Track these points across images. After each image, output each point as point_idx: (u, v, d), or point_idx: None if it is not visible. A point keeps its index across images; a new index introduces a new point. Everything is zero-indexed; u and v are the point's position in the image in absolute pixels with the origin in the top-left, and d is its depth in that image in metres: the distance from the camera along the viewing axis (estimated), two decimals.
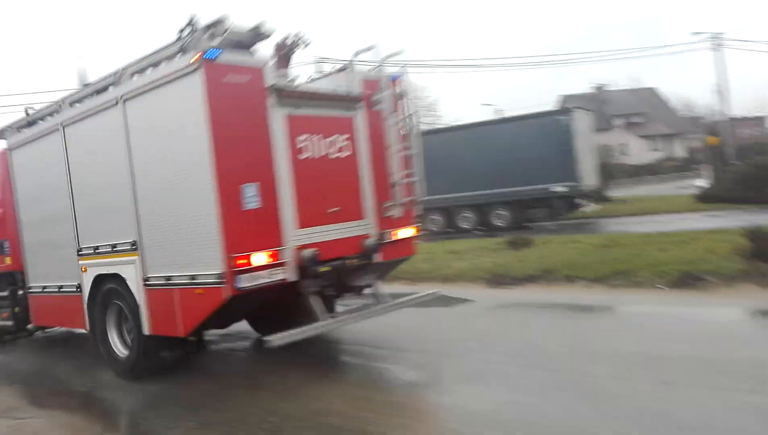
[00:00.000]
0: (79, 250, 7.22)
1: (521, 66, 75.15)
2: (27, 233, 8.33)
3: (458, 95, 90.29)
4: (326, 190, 6.35)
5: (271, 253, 5.69)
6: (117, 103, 6.37)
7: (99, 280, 6.99)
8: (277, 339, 5.62)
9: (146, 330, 6.30)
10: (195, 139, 5.52)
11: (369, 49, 6.88)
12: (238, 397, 5.84)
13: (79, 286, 7.31)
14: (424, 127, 39.76)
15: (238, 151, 5.56)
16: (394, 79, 7.00)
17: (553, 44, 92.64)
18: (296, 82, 6.66)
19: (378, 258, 6.70)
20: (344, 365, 7.06)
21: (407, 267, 12.01)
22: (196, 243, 5.69)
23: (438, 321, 8.31)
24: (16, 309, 8.75)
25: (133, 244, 6.37)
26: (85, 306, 7.23)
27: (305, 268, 5.91)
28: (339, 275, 6.37)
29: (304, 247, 5.97)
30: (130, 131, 6.27)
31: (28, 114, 8.15)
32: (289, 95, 6.08)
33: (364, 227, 6.70)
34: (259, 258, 5.59)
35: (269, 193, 5.74)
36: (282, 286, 5.82)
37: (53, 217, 7.65)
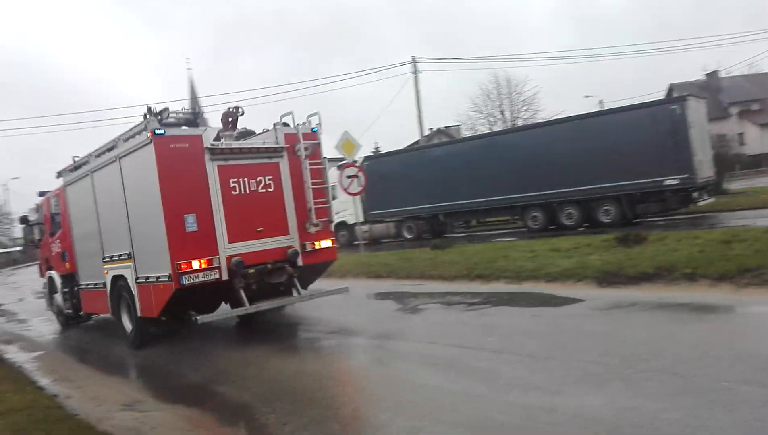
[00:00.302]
0: (103, 257, 10.31)
1: (625, 55, 71.21)
2: (77, 245, 11.79)
3: (559, 88, 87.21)
4: (253, 215, 9.05)
5: (205, 260, 8.44)
6: (116, 160, 9.49)
7: (114, 278, 10.00)
8: (202, 318, 8.70)
9: (139, 313, 9.24)
10: (152, 185, 8.37)
11: (289, 113, 9.90)
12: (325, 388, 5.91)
13: (104, 283, 10.34)
14: (521, 122, 39.10)
15: (180, 193, 8.38)
16: (313, 132, 9.93)
17: (659, 30, 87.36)
18: (226, 143, 9.05)
19: (300, 262, 9.45)
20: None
21: (509, 265, 11.85)
22: (158, 254, 8.46)
23: (546, 322, 7.98)
24: (74, 300, 12.26)
25: (129, 254, 9.36)
26: (108, 297, 10.24)
27: (233, 270, 8.58)
28: (262, 276, 9.04)
29: (233, 256, 8.65)
30: (124, 178, 9.32)
31: (74, 161, 11.38)
32: (220, 152, 8.86)
33: (288, 240, 9.40)
34: (196, 264, 8.34)
35: (205, 220, 8.53)
36: (218, 283, 8.56)
37: (89, 234, 10.85)
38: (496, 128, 40.47)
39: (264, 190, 9.35)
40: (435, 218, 24.05)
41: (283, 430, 5.18)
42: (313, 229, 9.62)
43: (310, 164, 9.71)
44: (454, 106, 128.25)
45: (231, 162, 9.07)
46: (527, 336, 7.23)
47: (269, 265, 9.15)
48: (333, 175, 27.22)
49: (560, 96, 76.41)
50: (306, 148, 9.64)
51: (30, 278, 39.02)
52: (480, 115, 43.79)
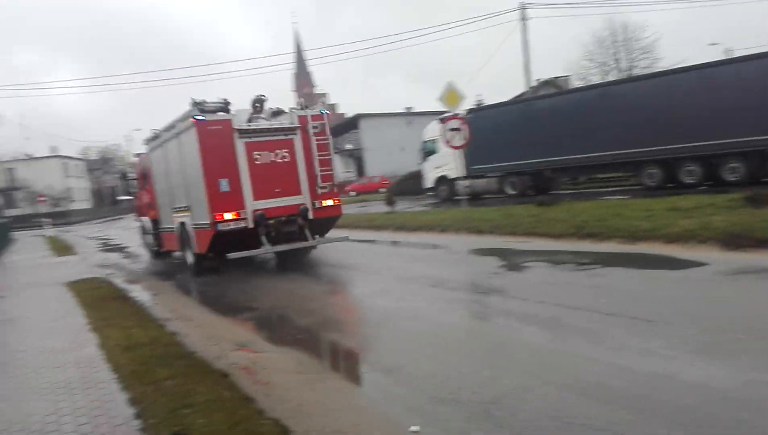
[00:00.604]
0: (173, 208, 13.82)
1: None
2: (158, 198, 15.35)
3: (681, 35, 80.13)
4: (273, 180, 11.96)
5: (235, 213, 11.50)
6: (176, 136, 12.80)
7: (180, 224, 13.44)
8: (232, 255, 11.60)
9: (195, 250, 12.65)
10: (196, 156, 11.61)
11: (301, 100, 13.62)
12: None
13: (174, 227, 13.89)
14: (638, 72, 36.33)
15: (215, 162, 11.45)
16: (321, 114, 12.79)
17: None
18: (250, 125, 11.95)
19: (311, 216, 12.38)
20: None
21: (622, 224, 11.19)
22: (203, 207, 11.68)
23: (665, 286, 7.46)
24: (157, 240, 16.18)
25: (186, 206, 12.81)
26: (177, 238, 13.78)
27: (257, 221, 11.66)
28: (279, 226, 12.01)
29: (257, 210, 11.71)
30: (181, 150, 12.61)
31: (153, 133, 14.78)
32: (245, 132, 11.78)
33: (300, 199, 12.36)
34: (228, 215, 11.42)
35: (235, 183, 11.58)
36: (246, 230, 11.57)
37: (165, 190, 14.47)
38: (609, 78, 37.94)
39: (281, 160, 12.23)
40: (540, 174, 23.19)
41: (386, 380, 5.22)
42: (320, 191, 12.58)
43: (318, 140, 12.59)
44: (564, 55, 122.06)
45: (255, 139, 11.95)
46: (643, 300, 6.78)
47: (284, 218, 12.15)
48: (432, 129, 27.09)
49: (682, 43, 70.13)
50: (315, 127, 12.55)
51: None
52: (592, 64, 41.15)
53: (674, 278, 7.84)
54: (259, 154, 11.98)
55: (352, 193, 51.08)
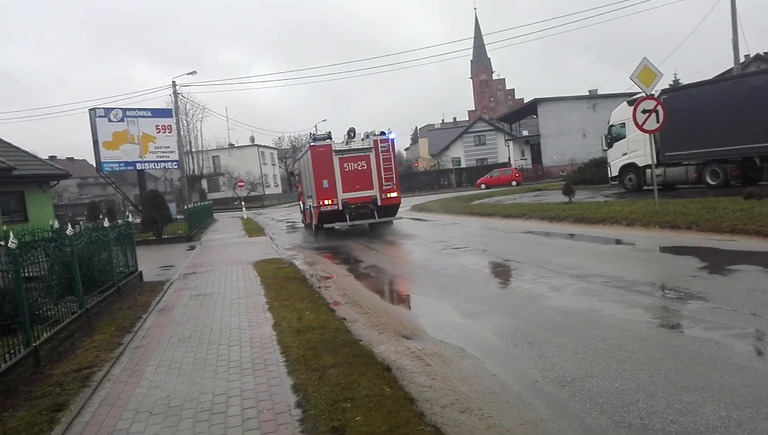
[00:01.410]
0: (307, 196, 22.82)
1: None
2: (304, 190, 24.41)
3: None
4: (355, 181, 19.67)
5: (331, 200, 19.55)
6: (305, 152, 22.87)
7: (309, 206, 22.40)
8: (329, 225, 20.23)
9: (314, 222, 20.87)
10: (310, 167, 20.61)
11: (374, 130, 20.69)
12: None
13: (308, 208, 22.86)
14: None
15: (321, 171, 19.70)
16: (387, 139, 20.16)
17: None
18: (344, 146, 19.85)
19: (379, 203, 19.81)
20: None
21: None
22: (314, 197, 20.20)
23: None
24: (304, 216, 24.88)
25: (310, 195, 21.30)
26: (309, 214, 22.59)
27: (345, 205, 19.50)
28: (360, 208, 19.80)
29: (344, 199, 19.55)
30: (306, 161, 22.38)
31: (312, 135, 21.57)
32: (339, 151, 19.71)
33: (372, 193, 19.85)
34: (327, 202, 19.57)
35: (332, 182, 19.55)
36: (339, 211, 19.61)
37: (305, 184, 23.49)
38: None
39: (361, 169, 19.90)
40: (749, 161, 20.14)
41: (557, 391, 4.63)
42: (385, 187, 19.97)
43: (383, 156, 20.06)
44: None
45: (345, 155, 19.80)
46: None
47: (360, 204, 19.91)
48: (620, 112, 24.89)
49: None
50: (383, 147, 20.10)
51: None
52: None
53: None
54: (347, 165, 19.86)
55: (483, 187, 49.52)
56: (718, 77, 28.16)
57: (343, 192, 19.58)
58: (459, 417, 4.43)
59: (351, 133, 20.03)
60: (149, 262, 15.77)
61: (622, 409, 4.23)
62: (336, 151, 19.58)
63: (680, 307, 6.70)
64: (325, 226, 19.98)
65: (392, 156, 20.36)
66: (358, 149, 19.78)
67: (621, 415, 4.15)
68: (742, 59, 31.08)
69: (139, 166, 31.88)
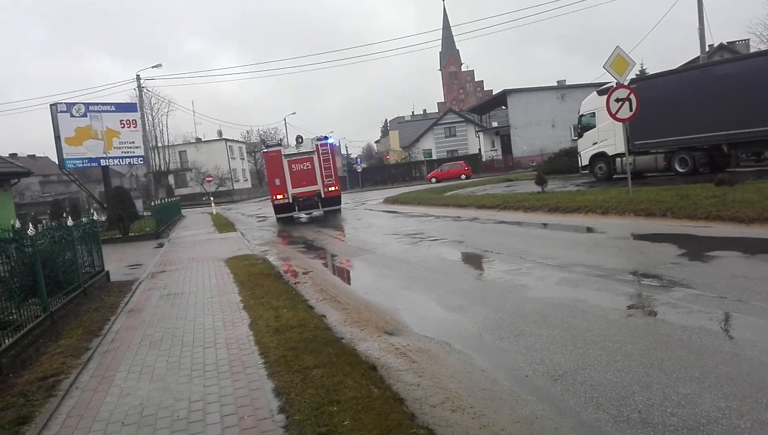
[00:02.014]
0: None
1: None
2: (270, 186, 26.89)
3: None
4: (302, 178, 24.16)
5: (282, 195, 24.10)
6: (262, 155, 31.72)
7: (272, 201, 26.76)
8: (280, 216, 24.86)
9: (275, 213, 25.69)
10: (265, 168, 31.00)
11: (319, 135, 26.25)
12: None
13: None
14: None
15: (273, 172, 24.65)
16: (326, 143, 24.85)
17: None
18: (293, 150, 24.81)
19: (323, 195, 24.48)
20: None
21: None
22: (270, 193, 25.78)
23: None
24: (274, 210, 25.81)
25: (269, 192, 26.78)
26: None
27: (294, 199, 24.18)
28: (306, 201, 24.53)
29: (294, 194, 24.15)
30: (263, 164, 34.64)
31: (264, 145, 31.84)
32: (288, 155, 24.54)
33: (316, 188, 24.41)
34: (279, 197, 24.16)
35: (282, 181, 24.07)
36: (290, 204, 24.16)
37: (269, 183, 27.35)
38: None
39: (306, 169, 24.07)
40: (716, 149, 20.45)
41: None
42: (326, 183, 24.22)
43: (323, 157, 24.27)
44: (746, 15, 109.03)
45: (292, 158, 24.07)
46: None
47: (307, 197, 24.18)
48: (589, 101, 25.04)
49: None
50: (322, 150, 24.35)
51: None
52: None
53: None
54: (294, 166, 24.15)
55: (433, 181, 49.94)
56: (684, 66, 28.57)
57: (292, 188, 23.99)
58: (451, 416, 4.24)
59: (299, 139, 24.90)
60: (116, 261, 15.26)
61: (618, 403, 4.10)
62: (285, 154, 24.40)
63: (665, 295, 6.63)
64: (279, 216, 24.72)
65: (331, 157, 24.64)
66: (303, 153, 24.33)
67: (618, 408, 4.02)
68: (707, 49, 31.53)
69: (103, 163, 30.99)
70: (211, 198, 44.68)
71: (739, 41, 41.98)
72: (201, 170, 68.74)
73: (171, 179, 69.72)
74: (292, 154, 24.37)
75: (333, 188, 24.50)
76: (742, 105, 18.69)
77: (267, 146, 25.98)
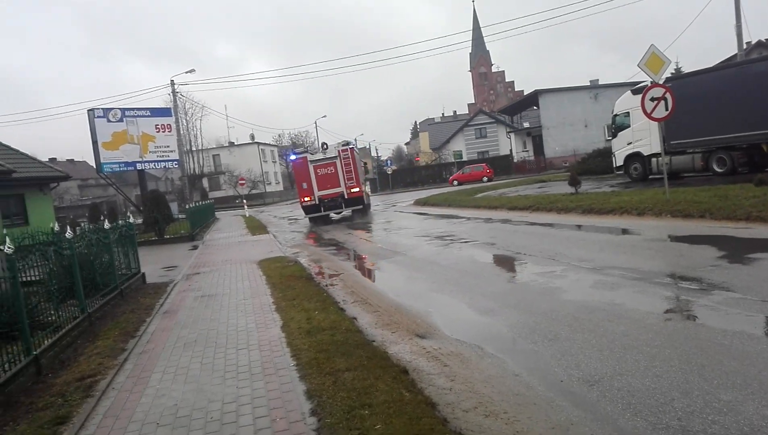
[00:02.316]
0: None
1: None
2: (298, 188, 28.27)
3: None
4: (327, 181, 25.68)
5: (309, 197, 25.78)
6: (290, 162, 31.46)
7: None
8: (311, 215, 26.46)
9: (304, 214, 27.28)
10: (293, 173, 32.81)
11: (344, 140, 29.20)
12: None
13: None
14: None
15: (300, 177, 26.34)
16: (347, 148, 26.22)
17: None
18: (317, 156, 26.17)
19: (346, 196, 25.77)
20: None
21: None
22: (298, 196, 27.61)
23: None
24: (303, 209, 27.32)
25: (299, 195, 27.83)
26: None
27: (320, 200, 25.69)
28: (331, 202, 25.89)
29: (320, 196, 25.66)
30: (293, 170, 31.15)
31: (300, 151, 29.32)
32: (313, 160, 25.95)
33: (340, 190, 25.70)
34: (306, 199, 25.85)
35: (309, 184, 25.82)
36: (317, 205, 25.78)
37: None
38: None
39: (330, 172, 25.56)
40: (756, 148, 19.83)
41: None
42: (348, 185, 25.47)
43: (344, 162, 25.54)
44: None
45: (317, 163, 25.62)
46: None
47: (332, 199, 25.63)
48: (624, 101, 24.57)
49: None
50: (344, 155, 25.66)
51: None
52: None
53: None
54: (319, 170, 25.67)
55: (455, 183, 49.46)
56: (721, 64, 27.87)
57: (318, 190, 25.65)
58: (484, 422, 4.18)
59: (324, 146, 26.60)
60: (152, 263, 15.54)
61: (657, 410, 3.99)
62: (310, 160, 25.95)
63: (705, 298, 6.45)
64: (309, 216, 26.53)
65: (352, 161, 25.83)
66: (326, 158, 25.84)
67: (656, 416, 3.91)
68: (744, 46, 30.66)
69: (139, 166, 31.59)
70: (244, 200, 45.25)
71: None
72: (234, 173, 69.68)
73: (205, 182, 70.89)
74: (317, 159, 25.89)
75: (355, 190, 25.82)
76: None
77: (294, 153, 27.60)
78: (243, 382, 5.27)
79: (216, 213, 42.35)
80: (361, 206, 26.83)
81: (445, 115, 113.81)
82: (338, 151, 25.83)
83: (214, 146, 76.49)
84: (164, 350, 6.85)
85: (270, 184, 79.77)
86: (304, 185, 25.67)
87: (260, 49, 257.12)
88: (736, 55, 29.40)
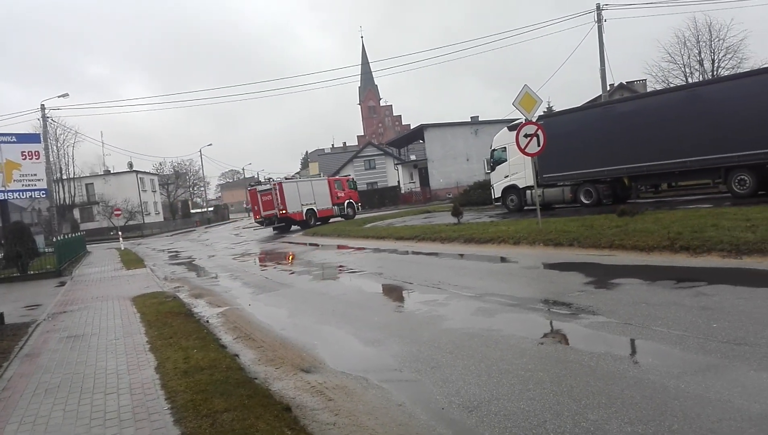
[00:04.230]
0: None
1: None
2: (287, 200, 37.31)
3: None
4: (268, 205, 35.79)
5: (258, 216, 37.24)
6: (248, 191, 41.42)
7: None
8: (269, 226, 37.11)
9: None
10: (249, 200, 43.34)
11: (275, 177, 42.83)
12: None
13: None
14: (723, 73, 34.02)
15: (253, 201, 37.89)
16: (276, 182, 36.68)
17: None
18: (262, 187, 36.99)
19: (279, 215, 35.26)
20: None
21: (726, 237, 10.02)
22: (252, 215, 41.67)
23: None
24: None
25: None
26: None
27: (264, 217, 36.36)
28: (271, 219, 35.83)
29: (264, 215, 36.26)
30: (248, 196, 41.67)
31: (285, 177, 39.54)
32: (259, 190, 36.69)
33: (275, 211, 35.31)
34: (257, 217, 37.62)
35: (257, 207, 37.00)
36: (262, 220, 36.92)
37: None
38: (692, 80, 35.66)
39: (269, 199, 35.80)
40: (618, 182, 21.82)
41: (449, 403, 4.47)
42: (280, 208, 34.77)
43: (278, 191, 35.06)
44: (642, 57, 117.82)
45: (261, 192, 36.32)
46: (767, 324, 5.76)
47: (272, 217, 35.60)
48: (501, 137, 26.06)
49: None
50: (277, 187, 35.33)
51: (220, 236, 42.87)
52: (674, 66, 38.80)
53: None
54: (263, 197, 35.29)
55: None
56: (588, 104, 30.42)
57: (263, 211, 35.71)
58: None
59: (269, 180, 37.91)
60: (12, 301, 14.13)
61: (530, 432, 4.14)
62: (258, 190, 36.16)
63: (574, 322, 6.87)
64: (257, 222, 37.94)
65: (280, 190, 34.95)
66: (266, 189, 35.74)
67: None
68: (608, 88, 33.80)
69: (1, 196, 28.86)
70: (120, 232, 42.60)
71: (637, 81, 45.25)
72: (109, 203, 65.62)
73: (77, 213, 66.07)
74: (261, 190, 35.94)
75: (284, 211, 34.88)
76: (639, 140, 20.09)
77: (250, 185, 38.65)
78: (111, 429, 4.85)
79: (88, 246, 39.50)
80: (293, 223, 35.90)
81: (335, 145, 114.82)
82: (273, 184, 35.96)
83: (88, 174, 71.74)
84: (22, 398, 6.17)
85: (149, 214, 75.84)
86: (255, 208, 36.71)
87: (138, 72, 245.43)
88: (600, 96, 32.28)
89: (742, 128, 17.42)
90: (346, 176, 45.97)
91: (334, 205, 38.69)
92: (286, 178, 37.96)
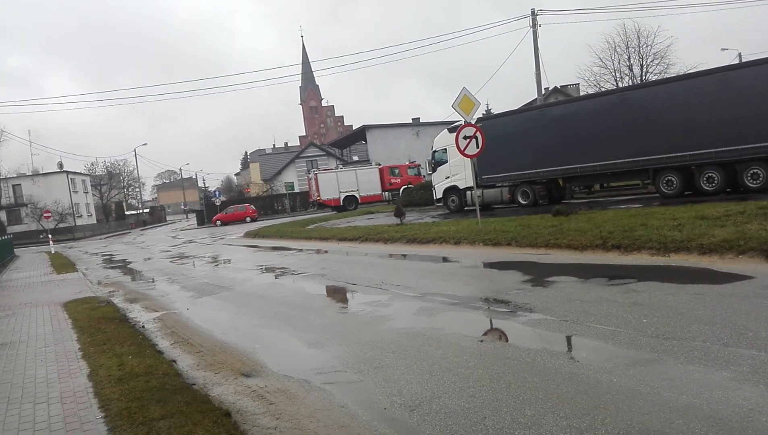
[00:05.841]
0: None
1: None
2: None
3: (694, 40, 79.71)
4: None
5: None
6: (354, 169, 48.30)
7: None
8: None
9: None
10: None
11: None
12: None
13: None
14: (651, 77, 35.68)
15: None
16: (379, 165, 47.78)
17: None
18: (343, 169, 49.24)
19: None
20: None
21: (654, 235, 10.50)
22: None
23: (713, 303, 6.69)
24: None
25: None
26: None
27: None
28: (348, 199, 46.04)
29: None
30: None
31: (319, 169, 54.06)
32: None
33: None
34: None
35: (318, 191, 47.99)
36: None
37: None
38: (622, 85, 37.16)
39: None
40: (553, 183, 22.50)
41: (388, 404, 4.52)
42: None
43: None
44: (576, 62, 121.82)
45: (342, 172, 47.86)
46: (693, 318, 6.07)
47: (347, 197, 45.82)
48: (441, 138, 26.46)
49: (697, 48, 69.57)
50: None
51: (157, 238, 41.63)
52: (605, 70, 40.30)
53: (721, 293, 7.10)
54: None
55: (218, 223, 52.08)
56: (524, 107, 31.23)
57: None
58: None
59: (338, 166, 45.04)
60: None
61: (470, 429, 4.22)
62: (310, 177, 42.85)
63: (511, 320, 7.05)
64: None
65: (315, 180, 41.06)
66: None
67: None
68: (543, 91, 34.82)
69: None
70: (50, 235, 40.75)
71: (570, 85, 46.88)
72: (38, 205, 62.61)
73: (3, 216, 62.74)
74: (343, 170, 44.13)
75: (319, 198, 40.93)
76: (573, 143, 20.78)
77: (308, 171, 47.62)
78: None
79: (16, 250, 37.54)
80: (332, 210, 40.94)
81: (277, 146, 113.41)
82: (313, 174, 43.35)
83: (14, 175, 68.25)
84: None
85: (81, 216, 72.81)
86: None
87: (63, 65, 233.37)
88: (536, 99, 33.22)
89: (667, 131, 18.28)
90: (412, 162, 47.33)
91: (384, 190, 42.37)
92: (325, 169, 43.26)
